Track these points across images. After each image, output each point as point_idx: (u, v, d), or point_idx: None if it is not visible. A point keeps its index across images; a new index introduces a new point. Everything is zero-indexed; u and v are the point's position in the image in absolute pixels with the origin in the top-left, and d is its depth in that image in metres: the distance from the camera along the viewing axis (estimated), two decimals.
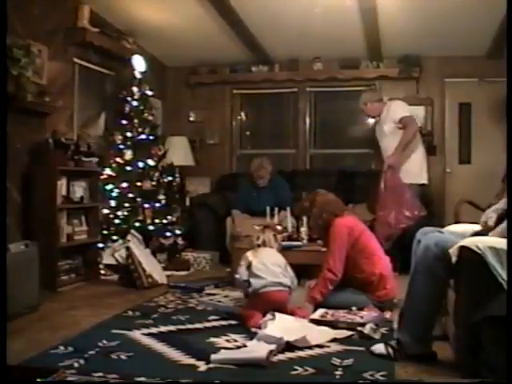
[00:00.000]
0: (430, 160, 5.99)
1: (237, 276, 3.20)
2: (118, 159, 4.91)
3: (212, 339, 2.74)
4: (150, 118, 5.16)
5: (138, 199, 4.89)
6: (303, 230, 4.25)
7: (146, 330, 2.91)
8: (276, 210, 4.57)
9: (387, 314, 3.13)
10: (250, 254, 3.21)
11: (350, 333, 2.80)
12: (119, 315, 3.26)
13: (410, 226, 4.17)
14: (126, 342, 2.72)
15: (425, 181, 4.78)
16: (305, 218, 4.12)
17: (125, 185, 4.86)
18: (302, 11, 4.81)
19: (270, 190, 5.27)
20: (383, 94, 6.09)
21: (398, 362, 2.37)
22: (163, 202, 5.07)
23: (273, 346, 2.48)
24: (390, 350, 2.42)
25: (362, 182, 5.65)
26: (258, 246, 3.31)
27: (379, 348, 2.47)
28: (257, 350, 2.47)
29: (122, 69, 5.31)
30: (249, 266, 3.12)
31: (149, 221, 4.91)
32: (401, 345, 2.41)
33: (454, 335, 2.36)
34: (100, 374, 2.23)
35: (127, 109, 5.02)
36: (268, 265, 3.11)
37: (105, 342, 2.68)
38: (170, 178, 5.24)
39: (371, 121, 5.01)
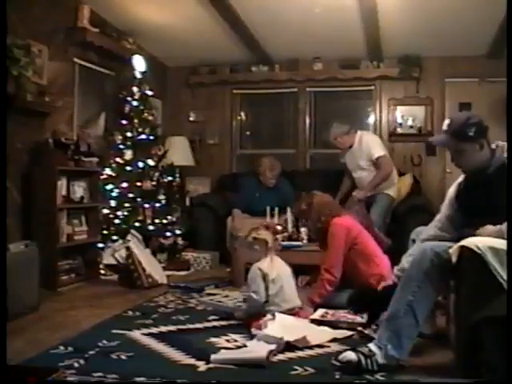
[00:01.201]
0: (430, 160, 6.04)
1: (255, 297, 2.95)
2: (118, 159, 4.91)
3: (212, 339, 2.74)
4: (150, 118, 5.16)
5: (138, 199, 4.89)
6: (303, 230, 4.25)
7: (145, 330, 2.91)
8: (276, 210, 4.57)
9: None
10: (264, 269, 3.00)
11: (350, 333, 2.80)
12: (119, 315, 3.26)
13: None
14: (126, 342, 2.72)
15: (393, 194, 4.99)
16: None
17: (125, 185, 4.86)
18: (302, 11, 4.82)
19: (273, 191, 5.26)
20: (383, 94, 6.15)
21: (368, 370, 2.22)
22: (163, 201, 5.07)
23: (273, 346, 2.48)
24: (362, 358, 2.25)
25: None
26: (271, 249, 3.14)
27: (349, 355, 2.27)
28: (257, 350, 2.47)
29: (122, 69, 5.31)
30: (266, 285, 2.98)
31: (149, 221, 4.91)
32: (375, 352, 2.25)
33: (454, 335, 2.36)
34: (100, 373, 2.23)
35: (127, 109, 5.02)
36: (284, 286, 2.99)
37: (105, 341, 2.68)
38: (170, 178, 5.24)
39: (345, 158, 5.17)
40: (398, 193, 5.09)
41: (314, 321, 2.98)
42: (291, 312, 3.01)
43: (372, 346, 2.29)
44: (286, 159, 6.57)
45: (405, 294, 2.26)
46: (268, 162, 5.31)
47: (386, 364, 2.25)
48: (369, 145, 4.91)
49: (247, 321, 2.96)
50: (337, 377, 2.25)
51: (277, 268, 3.05)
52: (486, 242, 2.09)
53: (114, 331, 2.87)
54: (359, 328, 2.82)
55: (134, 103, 5.03)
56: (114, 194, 4.85)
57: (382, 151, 4.89)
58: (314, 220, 3.55)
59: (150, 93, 5.20)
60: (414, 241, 2.77)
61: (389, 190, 4.92)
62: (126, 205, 4.85)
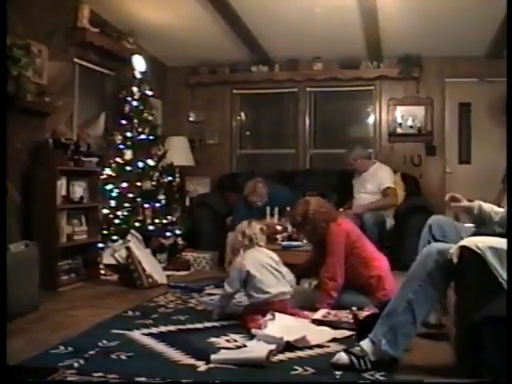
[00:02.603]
0: (429, 160, 6.05)
1: (227, 287, 3.06)
2: (117, 159, 4.91)
3: (212, 339, 2.74)
4: (150, 118, 5.15)
5: (138, 199, 4.89)
6: None
7: (146, 330, 2.91)
8: (276, 210, 4.57)
9: None
10: (244, 262, 3.06)
11: (349, 333, 2.80)
12: (119, 315, 3.26)
13: None
14: (126, 342, 2.72)
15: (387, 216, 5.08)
16: None
17: (125, 185, 4.85)
18: (301, 11, 4.82)
19: (265, 204, 4.98)
20: (383, 94, 6.15)
21: (362, 371, 2.22)
22: (163, 202, 5.07)
23: (273, 346, 2.48)
24: (354, 359, 2.25)
25: None
26: (245, 245, 3.17)
27: (341, 358, 2.28)
28: (257, 350, 2.46)
29: (122, 69, 5.31)
30: (246, 277, 3.02)
31: (149, 221, 4.90)
32: (367, 350, 2.26)
33: (454, 335, 2.36)
34: (100, 373, 2.23)
35: (127, 109, 5.02)
36: (266, 273, 3.02)
37: (105, 341, 2.68)
38: (170, 178, 5.24)
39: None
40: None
41: (314, 321, 2.98)
42: (282, 300, 3.01)
43: (364, 343, 2.28)
44: (285, 159, 6.60)
45: (406, 291, 2.26)
46: (250, 186, 5.10)
47: (379, 360, 2.24)
48: (383, 176, 5.16)
49: (244, 320, 2.97)
50: (337, 377, 2.25)
51: (257, 259, 3.08)
52: (486, 241, 2.09)
53: (114, 331, 2.87)
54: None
55: (134, 103, 5.03)
56: (113, 194, 4.85)
57: (392, 184, 5.13)
58: (310, 232, 3.47)
59: (149, 93, 5.20)
60: (430, 227, 2.74)
61: (384, 212, 4.97)
62: (126, 205, 4.84)
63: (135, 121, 5.00)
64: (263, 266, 3.05)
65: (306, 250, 4.08)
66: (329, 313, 3.08)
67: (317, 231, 3.40)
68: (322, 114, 6.59)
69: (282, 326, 2.74)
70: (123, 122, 4.99)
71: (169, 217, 5.09)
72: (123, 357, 2.48)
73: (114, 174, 4.88)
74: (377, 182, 5.14)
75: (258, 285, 2.99)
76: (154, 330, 2.93)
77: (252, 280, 3.00)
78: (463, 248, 2.10)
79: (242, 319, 3.01)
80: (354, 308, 3.14)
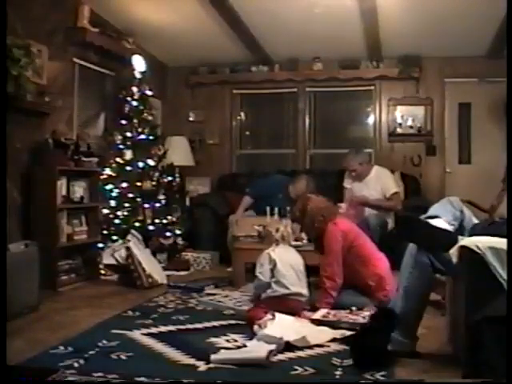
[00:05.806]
0: (429, 160, 6.05)
1: (261, 277, 3.12)
2: (117, 159, 4.91)
3: (212, 339, 2.75)
4: (150, 118, 5.15)
5: (138, 199, 4.89)
6: None
7: (145, 330, 2.91)
8: (276, 209, 4.57)
9: None
10: (272, 254, 3.15)
11: (350, 333, 2.80)
12: (119, 315, 3.26)
13: None
14: (126, 341, 2.72)
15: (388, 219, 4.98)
16: None
17: (125, 185, 4.85)
18: (301, 11, 4.82)
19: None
20: (383, 94, 6.15)
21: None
22: (163, 202, 5.07)
23: (273, 346, 2.48)
24: None
25: None
26: (277, 241, 3.25)
27: None
28: (257, 350, 2.46)
29: (122, 69, 5.31)
30: (272, 268, 3.09)
31: (149, 221, 4.90)
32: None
33: (454, 335, 2.36)
34: (100, 373, 2.23)
35: (127, 109, 5.01)
36: (291, 272, 3.09)
37: (105, 342, 2.68)
38: (169, 178, 5.24)
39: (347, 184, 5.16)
40: None
41: (314, 321, 2.98)
42: (299, 300, 3.07)
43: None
44: (285, 159, 6.60)
45: (402, 281, 2.45)
46: (304, 184, 5.07)
47: (397, 350, 2.38)
48: (388, 180, 5.02)
49: (250, 315, 2.99)
50: (337, 377, 2.25)
51: (286, 256, 3.17)
52: (486, 241, 2.09)
53: (114, 331, 2.87)
54: (359, 328, 2.82)
55: (134, 103, 5.03)
56: (113, 194, 4.84)
57: (397, 188, 5.03)
58: (308, 227, 3.52)
59: (149, 93, 5.20)
60: None
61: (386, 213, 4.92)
62: (126, 205, 4.84)
63: (135, 121, 4.99)
64: (291, 265, 3.13)
65: (306, 250, 4.09)
66: (328, 313, 3.08)
67: (314, 225, 3.44)
68: (322, 113, 6.59)
69: (282, 326, 2.74)
70: (123, 121, 4.98)
71: (169, 217, 5.09)
72: (123, 357, 2.48)
73: (114, 174, 4.87)
74: (381, 187, 4.98)
75: (281, 279, 3.06)
76: (153, 329, 2.93)
77: (277, 273, 3.07)
78: (463, 248, 2.11)
79: (249, 312, 3.03)
80: (353, 308, 3.15)
